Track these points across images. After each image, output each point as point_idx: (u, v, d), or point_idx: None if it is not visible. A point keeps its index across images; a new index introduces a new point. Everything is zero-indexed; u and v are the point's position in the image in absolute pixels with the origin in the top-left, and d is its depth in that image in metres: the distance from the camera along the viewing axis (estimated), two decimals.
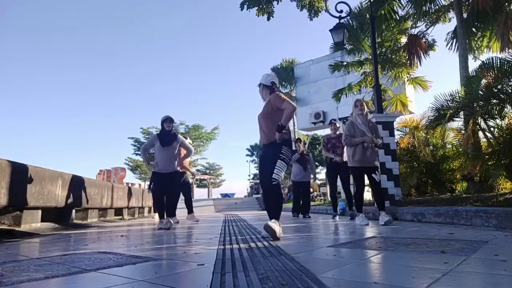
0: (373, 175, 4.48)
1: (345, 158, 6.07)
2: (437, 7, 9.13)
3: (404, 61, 9.77)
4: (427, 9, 9.11)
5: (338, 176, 6.21)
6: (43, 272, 1.77)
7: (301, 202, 7.11)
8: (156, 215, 7.83)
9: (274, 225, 3.00)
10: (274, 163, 3.23)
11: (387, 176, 5.50)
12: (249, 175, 43.18)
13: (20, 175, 4.26)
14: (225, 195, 32.53)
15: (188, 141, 5.69)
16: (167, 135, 5.03)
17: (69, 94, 67.19)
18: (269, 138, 3.32)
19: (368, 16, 7.73)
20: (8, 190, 4.00)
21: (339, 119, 16.28)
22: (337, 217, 5.83)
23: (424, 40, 9.55)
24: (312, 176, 7.09)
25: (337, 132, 6.25)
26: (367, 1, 9.05)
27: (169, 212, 5.03)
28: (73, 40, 73.90)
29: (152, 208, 8.47)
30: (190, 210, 6.49)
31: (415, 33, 9.71)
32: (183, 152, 5.98)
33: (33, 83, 66.61)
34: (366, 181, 4.81)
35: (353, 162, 4.56)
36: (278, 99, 3.32)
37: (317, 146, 32.10)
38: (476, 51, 9.47)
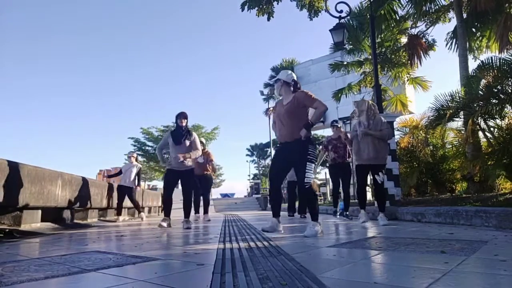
0: (376, 176, 4.43)
1: (345, 157, 6.10)
2: (437, 7, 9.14)
3: (404, 61, 9.77)
4: (427, 9, 9.12)
5: (340, 176, 6.22)
6: (43, 272, 1.77)
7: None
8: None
9: (317, 227, 3.17)
10: (303, 165, 3.24)
11: (387, 176, 5.49)
12: (249, 175, 43.26)
13: (19, 175, 4.26)
14: (225, 195, 32.51)
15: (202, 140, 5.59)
16: (180, 131, 4.89)
17: (69, 95, 67.33)
18: (293, 135, 3.30)
19: (368, 16, 7.72)
20: (7, 190, 4.00)
21: (339, 119, 16.27)
22: (337, 214, 5.83)
23: (424, 40, 9.56)
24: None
25: (338, 134, 6.26)
26: (367, 1, 9.05)
27: (185, 215, 4.90)
28: (73, 41, 74.02)
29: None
30: (194, 211, 6.64)
31: (415, 33, 9.72)
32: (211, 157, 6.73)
33: (34, 83, 66.69)
34: (369, 181, 4.81)
35: (356, 161, 4.60)
36: (308, 98, 3.35)
37: (317, 146, 32.05)
38: (476, 51, 9.48)
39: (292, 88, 3.48)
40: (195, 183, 7.14)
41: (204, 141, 7.47)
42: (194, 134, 5.06)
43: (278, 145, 3.58)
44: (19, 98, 68.26)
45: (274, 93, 3.62)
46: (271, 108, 4.11)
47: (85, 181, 6.32)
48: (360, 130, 4.45)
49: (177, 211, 5.31)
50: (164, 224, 4.61)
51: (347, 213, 5.97)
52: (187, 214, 4.82)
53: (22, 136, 68.40)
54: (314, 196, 3.39)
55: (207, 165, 7.08)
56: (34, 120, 66.92)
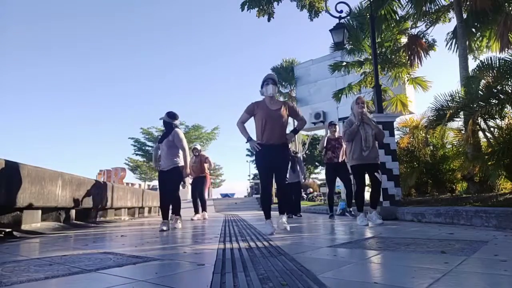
0: (376, 174, 4.45)
1: (341, 157, 6.13)
2: (437, 7, 9.14)
3: (404, 61, 9.76)
4: (427, 9, 9.12)
5: (338, 177, 6.26)
6: (43, 272, 1.77)
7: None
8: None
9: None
10: (287, 166, 3.83)
11: (387, 176, 5.49)
12: (249, 175, 43.12)
13: (19, 175, 4.26)
14: (225, 195, 32.53)
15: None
16: (165, 132, 5.00)
17: (69, 93, 67.22)
18: (281, 139, 3.68)
19: (368, 16, 7.72)
20: (7, 190, 4.00)
21: (339, 119, 16.29)
22: (334, 217, 5.88)
23: (424, 40, 9.55)
24: (302, 176, 7.23)
25: (336, 134, 6.32)
26: (367, 1, 9.05)
27: (174, 212, 4.94)
28: (73, 38, 73.86)
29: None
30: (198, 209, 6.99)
31: (415, 33, 9.72)
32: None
33: (33, 81, 66.57)
34: (367, 181, 4.80)
35: (352, 161, 4.54)
36: (297, 111, 3.90)
37: (317, 146, 32.09)
38: (476, 51, 9.48)
39: None
40: (195, 185, 7.28)
41: (199, 147, 7.69)
42: (176, 130, 4.88)
43: (258, 144, 3.66)
44: (18, 96, 67.84)
45: (270, 93, 3.73)
46: None
47: (85, 181, 6.32)
48: (358, 120, 4.46)
49: (183, 211, 5.32)
50: (165, 228, 4.55)
51: (350, 209, 5.97)
52: (175, 211, 4.89)
53: (22, 135, 68.23)
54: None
55: (203, 165, 7.35)
56: (34, 119, 66.60)
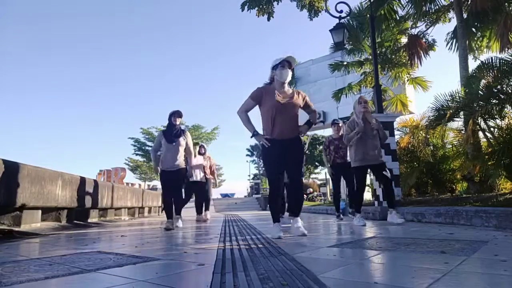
0: (383, 172, 4.35)
1: (345, 158, 6.08)
2: (437, 7, 9.14)
3: (404, 61, 9.77)
4: (427, 9, 9.12)
5: (342, 176, 6.16)
6: (43, 272, 1.77)
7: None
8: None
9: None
10: (302, 161, 3.32)
11: None
12: (249, 175, 43.14)
13: (19, 175, 4.26)
14: (225, 195, 32.49)
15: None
16: (173, 130, 4.81)
17: (69, 93, 67.20)
18: (294, 131, 3.19)
19: (368, 16, 7.72)
20: (7, 190, 4.00)
21: (339, 119, 16.28)
22: (341, 218, 5.79)
23: (424, 40, 9.56)
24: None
25: (340, 133, 6.13)
26: (367, 1, 9.05)
27: (176, 212, 4.92)
28: (73, 38, 73.83)
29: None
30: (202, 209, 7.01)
31: (415, 33, 9.72)
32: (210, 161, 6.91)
33: (33, 81, 66.54)
34: (367, 181, 4.78)
35: (356, 162, 4.41)
36: (309, 101, 3.38)
37: (317, 146, 32.09)
38: (476, 51, 9.48)
39: None
40: (201, 186, 7.25)
41: (205, 146, 7.54)
42: (188, 133, 4.98)
43: (267, 139, 3.14)
44: (17, 95, 67.68)
45: (285, 78, 3.18)
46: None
47: (85, 181, 6.32)
48: (361, 127, 4.34)
49: (184, 211, 5.32)
50: (170, 227, 4.57)
51: (353, 210, 5.94)
52: (178, 211, 4.86)
53: (22, 135, 68.22)
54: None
55: (209, 169, 7.28)
56: (34, 119, 66.58)
